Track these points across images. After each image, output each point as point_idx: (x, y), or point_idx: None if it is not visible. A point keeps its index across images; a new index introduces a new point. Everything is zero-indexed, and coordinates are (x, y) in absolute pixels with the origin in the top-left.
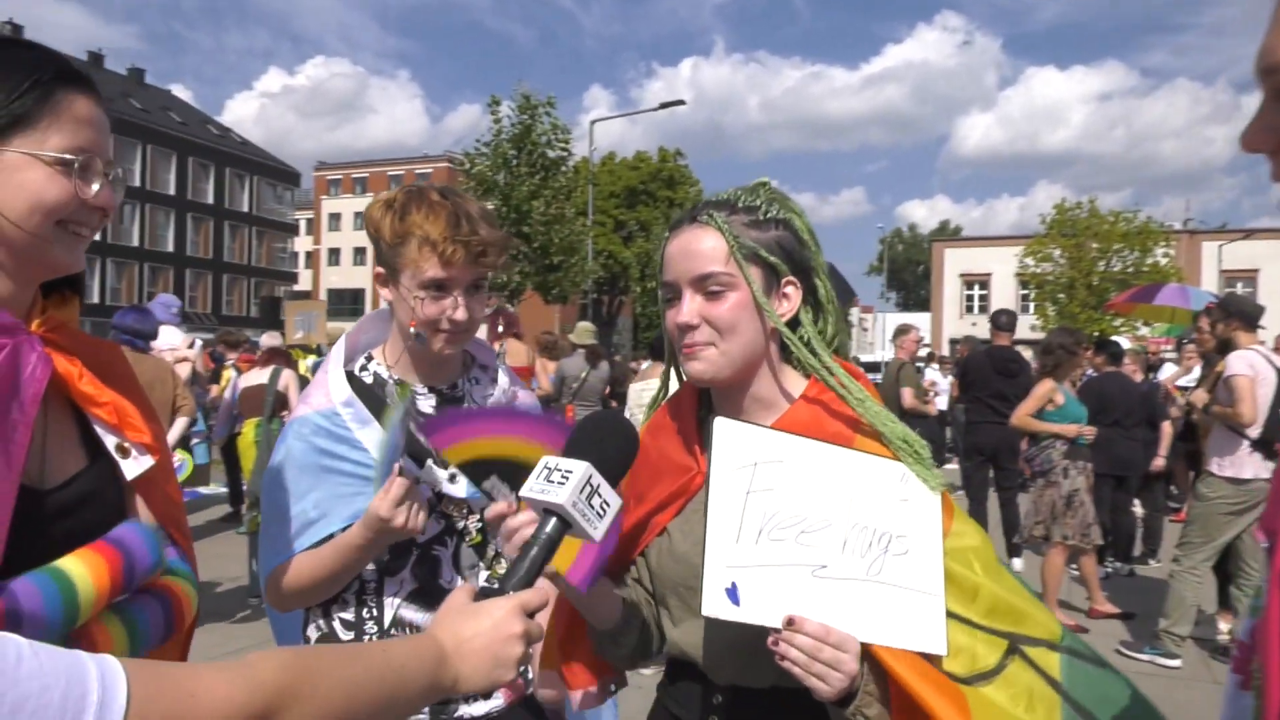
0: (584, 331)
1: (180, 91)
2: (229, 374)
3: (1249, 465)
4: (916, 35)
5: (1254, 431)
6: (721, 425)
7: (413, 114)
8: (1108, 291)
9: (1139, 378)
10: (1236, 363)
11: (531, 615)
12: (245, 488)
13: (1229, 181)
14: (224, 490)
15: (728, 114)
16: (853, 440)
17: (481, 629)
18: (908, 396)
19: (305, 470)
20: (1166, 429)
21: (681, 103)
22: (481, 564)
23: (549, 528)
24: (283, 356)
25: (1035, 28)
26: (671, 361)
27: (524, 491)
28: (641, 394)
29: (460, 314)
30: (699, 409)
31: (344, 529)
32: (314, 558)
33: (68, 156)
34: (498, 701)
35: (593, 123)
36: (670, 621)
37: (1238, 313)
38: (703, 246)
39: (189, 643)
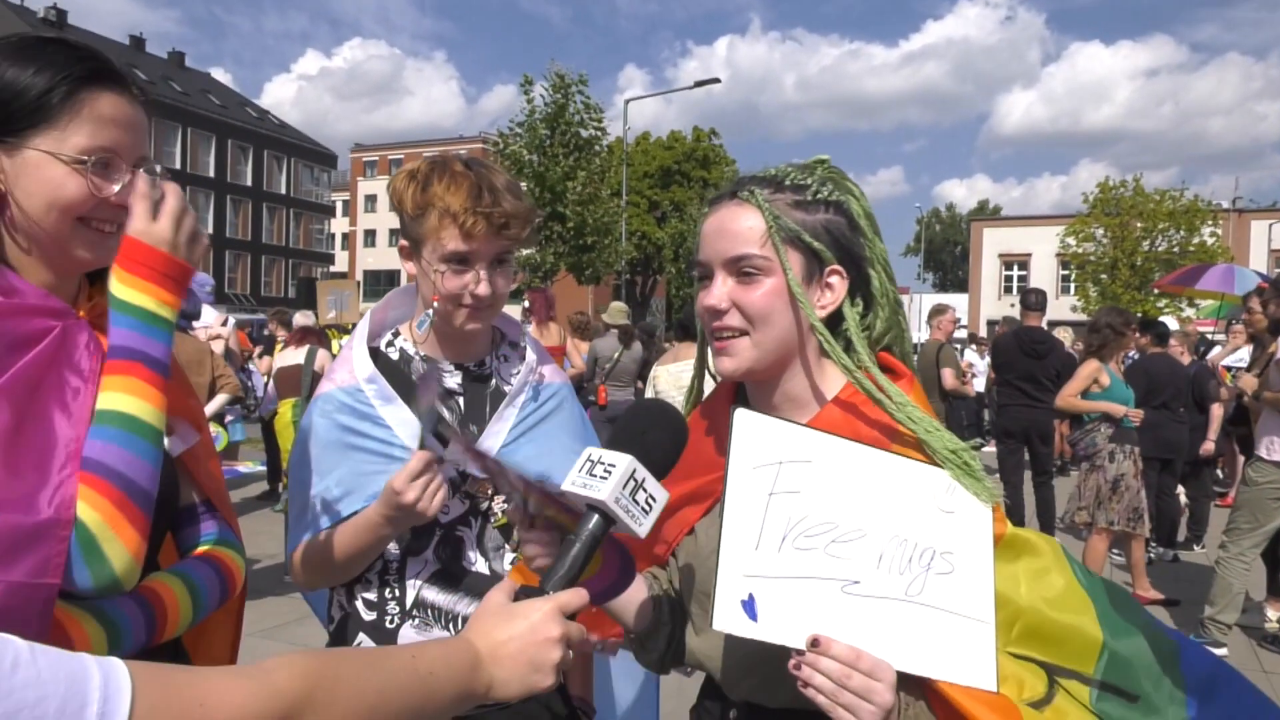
0: (617, 312)
1: (220, 75)
2: (281, 350)
3: None
4: (957, 11)
5: None
6: (742, 417)
7: (448, 95)
8: (1152, 272)
9: (1186, 359)
10: None
11: (572, 617)
12: (285, 467)
13: None
14: (262, 468)
15: (763, 93)
16: (889, 448)
17: (517, 632)
18: (949, 377)
19: (328, 447)
20: (1216, 412)
21: (717, 80)
22: (508, 546)
23: (591, 524)
24: (316, 336)
25: (1081, 2)
26: (702, 350)
27: (565, 485)
28: (681, 375)
29: (483, 289)
30: (735, 403)
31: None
32: (335, 537)
33: (83, 157)
34: None
35: (627, 102)
36: (692, 629)
37: None
38: (739, 225)
39: (241, 611)
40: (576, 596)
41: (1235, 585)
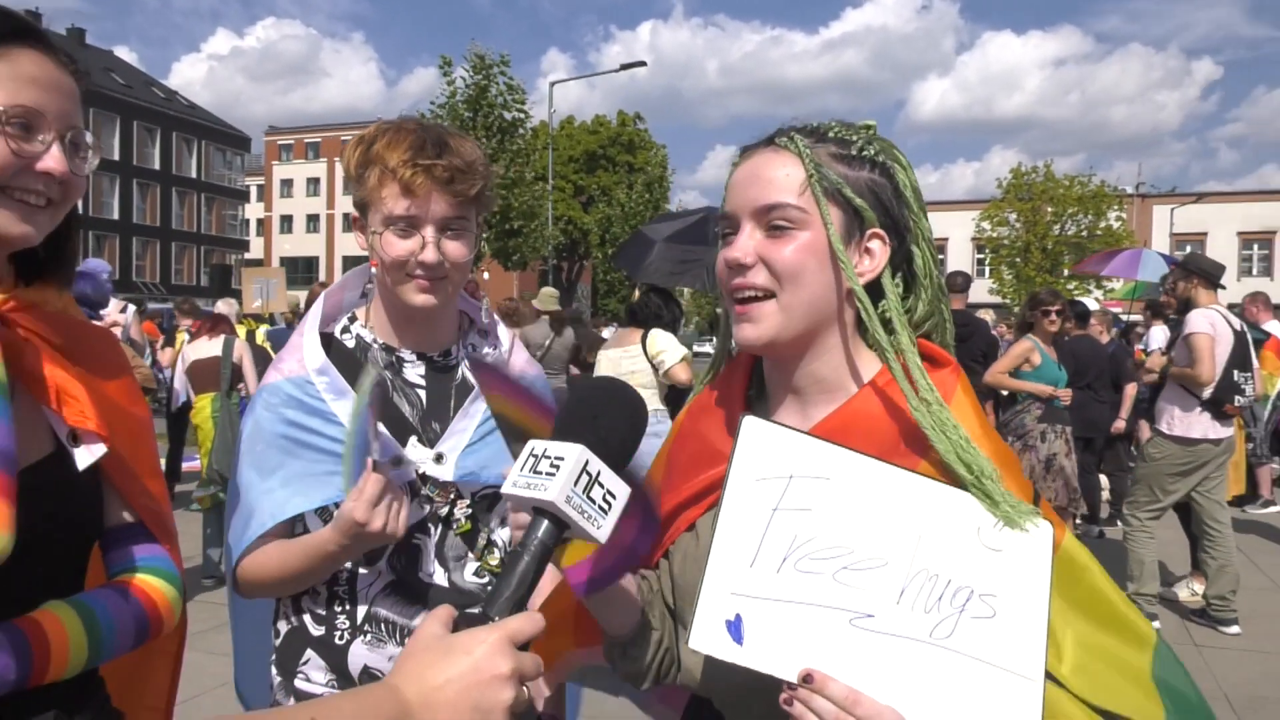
0: (548, 297)
1: (125, 54)
2: (183, 337)
3: (1198, 425)
4: None
5: (1206, 392)
6: (750, 426)
7: (367, 77)
8: (1062, 255)
9: (1105, 339)
10: (1197, 320)
11: (524, 647)
12: (205, 465)
13: (1178, 146)
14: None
15: (686, 78)
16: (926, 449)
17: (455, 672)
18: None
19: (273, 444)
20: (1130, 390)
21: (642, 64)
22: (470, 555)
23: (540, 532)
24: (228, 325)
25: None
26: (727, 324)
27: (506, 487)
28: (620, 361)
29: (430, 254)
30: (749, 387)
31: (320, 510)
32: (283, 552)
33: None
34: None
35: (552, 84)
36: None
37: (1198, 271)
38: (775, 172)
39: (180, 653)
40: (529, 622)
41: (1145, 556)
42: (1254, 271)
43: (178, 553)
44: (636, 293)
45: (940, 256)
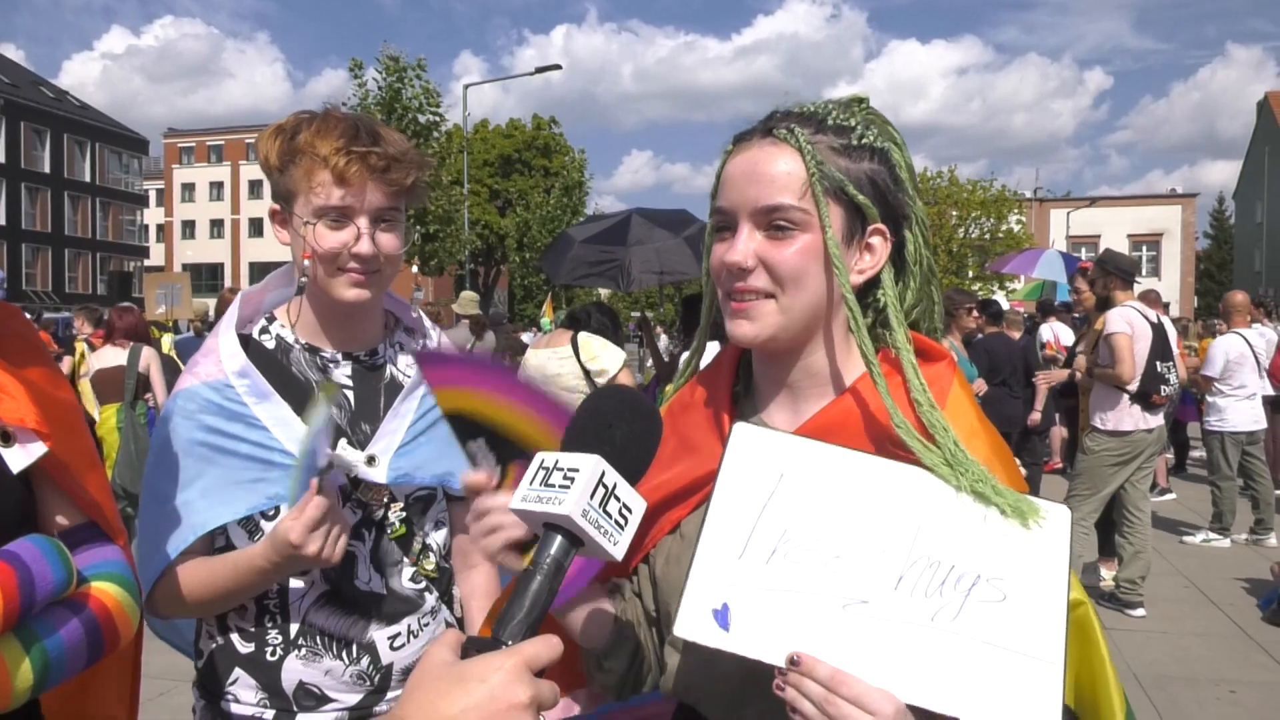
0: (468, 301)
1: (10, 52)
2: (82, 348)
3: (1129, 418)
4: (787, 7)
5: (1133, 386)
6: (740, 432)
7: (273, 78)
8: (966, 256)
9: (1015, 336)
10: (1115, 320)
11: (540, 674)
12: (109, 478)
13: (1073, 153)
14: None
15: (601, 83)
16: (926, 436)
17: (471, 702)
18: None
19: (191, 453)
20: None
21: (557, 67)
22: (406, 560)
23: (554, 548)
24: (139, 334)
25: (899, 2)
26: (709, 319)
27: (515, 502)
28: (546, 364)
29: (364, 246)
30: (735, 382)
31: (245, 519)
32: (209, 570)
33: None
34: None
35: (466, 87)
36: (673, 647)
37: (1115, 270)
38: (775, 169)
39: (138, 657)
40: (547, 646)
41: (1075, 549)
42: (1144, 272)
43: (129, 549)
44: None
45: None
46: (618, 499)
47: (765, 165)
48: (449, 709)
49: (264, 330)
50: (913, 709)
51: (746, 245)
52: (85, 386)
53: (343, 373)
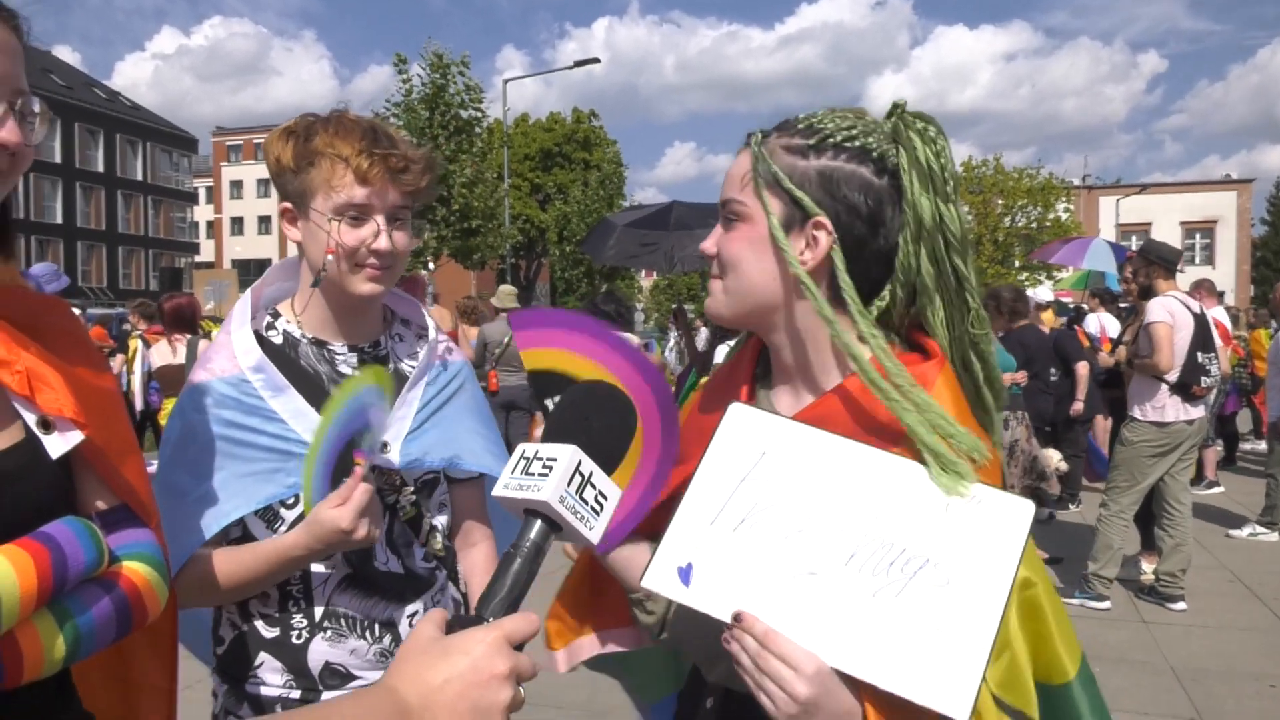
0: (506, 295)
1: (65, 54)
2: (136, 344)
3: (1170, 408)
4: None
5: (1173, 376)
6: (734, 411)
7: (319, 76)
8: (1013, 246)
9: (1048, 330)
10: (1156, 310)
11: (519, 647)
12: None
13: (1125, 139)
14: None
15: (643, 75)
16: (900, 440)
17: (455, 672)
18: None
19: (209, 447)
20: (1081, 371)
21: (596, 60)
22: (417, 541)
23: (533, 533)
24: (184, 318)
25: None
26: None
27: (498, 489)
28: None
29: (383, 243)
30: (757, 364)
31: (263, 509)
32: (236, 559)
33: None
34: None
35: (506, 81)
36: (679, 609)
37: (1158, 259)
38: (732, 170)
39: (174, 632)
40: (526, 623)
41: (1115, 542)
42: (1196, 260)
43: (161, 532)
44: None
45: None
46: (594, 486)
47: (731, 167)
48: (434, 678)
49: (270, 326)
50: (843, 677)
51: (713, 235)
52: (136, 383)
53: (349, 364)
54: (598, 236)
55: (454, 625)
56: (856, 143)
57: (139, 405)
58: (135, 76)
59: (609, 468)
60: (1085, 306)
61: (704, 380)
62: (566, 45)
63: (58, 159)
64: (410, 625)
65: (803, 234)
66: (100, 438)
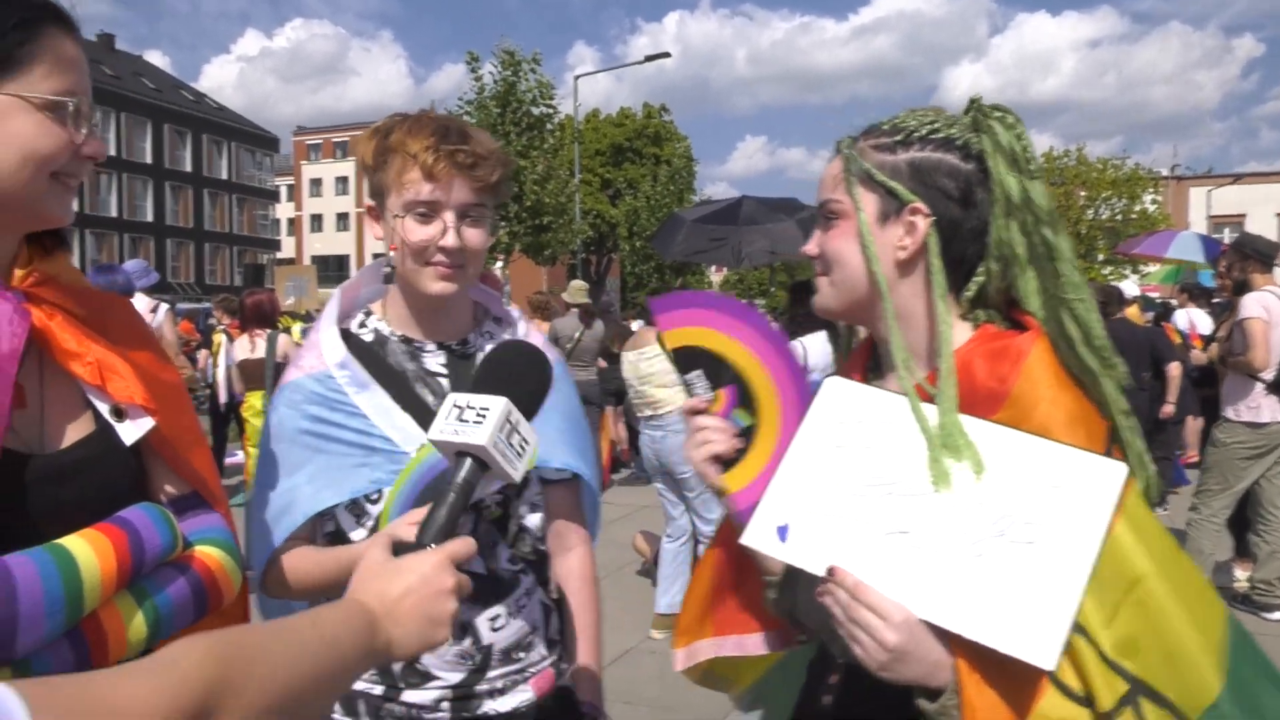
0: (577, 290)
1: (157, 58)
2: (220, 339)
3: (1266, 408)
4: None
5: (1269, 374)
6: (830, 385)
7: (396, 75)
8: (1096, 239)
9: (1141, 323)
10: (1250, 305)
11: (460, 568)
12: (248, 461)
13: (1218, 127)
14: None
15: (714, 68)
16: (999, 408)
17: (410, 585)
18: None
19: (297, 442)
20: (1174, 371)
21: (667, 55)
22: (503, 542)
23: (465, 471)
24: (264, 313)
25: None
26: None
27: (433, 434)
28: (639, 364)
29: (450, 239)
30: (871, 357)
31: (350, 503)
32: (317, 561)
33: (62, 99)
34: (526, 695)
35: (577, 77)
36: (804, 585)
37: (1254, 253)
38: (824, 175)
39: (246, 615)
40: (464, 545)
41: (1206, 547)
42: None
43: (230, 518)
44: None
45: None
46: (519, 433)
47: (824, 173)
48: (394, 592)
49: (362, 324)
50: (933, 631)
51: (813, 237)
52: (220, 376)
53: (437, 361)
54: (667, 232)
55: (400, 550)
56: (940, 134)
57: (223, 398)
58: (221, 79)
59: (529, 417)
60: (1174, 303)
61: None
62: (637, 40)
63: (149, 160)
64: (492, 629)
65: (900, 222)
66: (168, 427)
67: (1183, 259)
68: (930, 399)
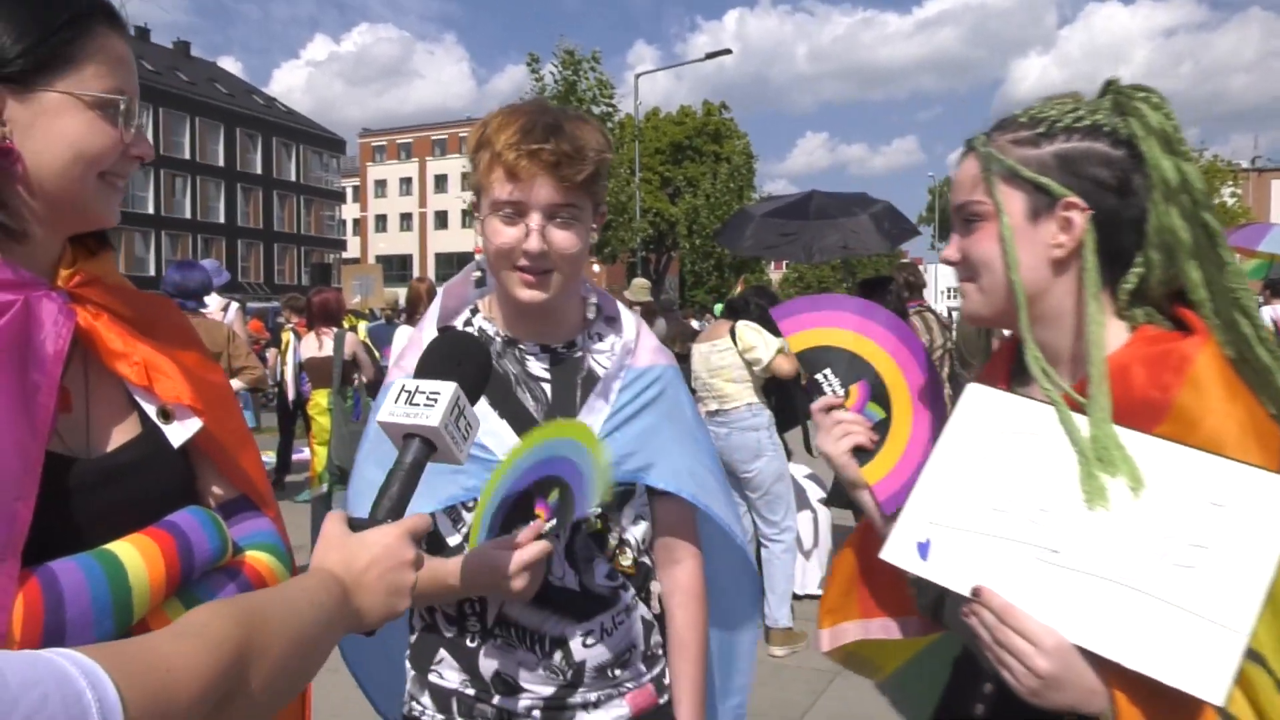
0: (640, 289)
1: (230, 64)
2: (288, 338)
3: None
4: None
5: None
6: (972, 392)
7: (459, 77)
8: None
9: None
10: None
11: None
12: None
13: None
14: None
15: (774, 65)
16: (1161, 420)
17: (375, 557)
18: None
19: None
20: None
21: (728, 52)
22: (602, 555)
23: (414, 451)
24: (330, 311)
25: None
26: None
27: (382, 416)
28: (710, 356)
29: (533, 242)
30: (1014, 363)
31: (449, 509)
32: None
33: (113, 97)
34: (622, 711)
35: (637, 76)
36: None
37: None
38: (959, 175)
39: None
40: (421, 521)
41: None
42: None
43: (280, 521)
44: (739, 288)
45: None
46: (465, 417)
47: (956, 173)
48: (359, 564)
49: (468, 322)
50: (1088, 657)
51: (952, 243)
52: (289, 374)
53: (540, 365)
54: (734, 227)
55: (357, 525)
56: (1085, 122)
57: (290, 395)
58: (290, 83)
59: (473, 401)
60: (1259, 299)
61: None
62: (697, 39)
63: (221, 163)
64: (584, 645)
65: (1053, 218)
66: (216, 428)
67: (1276, 253)
68: (1080, 408)
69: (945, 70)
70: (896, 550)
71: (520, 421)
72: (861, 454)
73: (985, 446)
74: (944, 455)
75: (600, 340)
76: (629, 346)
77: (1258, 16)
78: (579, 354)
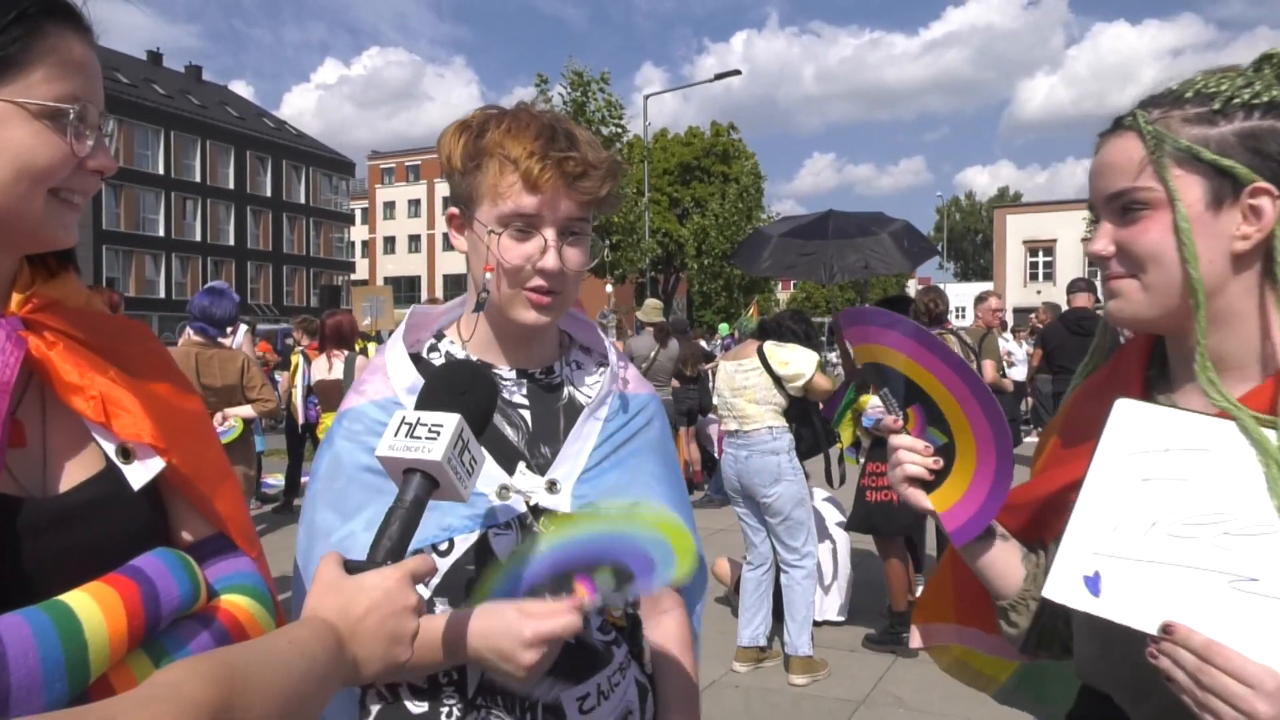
0: (652, 309)
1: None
2: (298, 360)
3: None
4: None
5: None
6: (1121, 408)
7: (468, 99)
8: None
9: None
10: None
11: (419, 585)
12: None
13: None
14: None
15: (782, 87)
16: None
17: (374, 603)
18: (989, 370)
19: (355, 480)
20: None
21: (737, 72)
22: (609, 611)
23: (415, 488)
24: (343, 334)
25: None
26: (1104, 338)
27: (381, 450)
28: (734, 375)
29: (550, 260)
30: (1149, 366)
31: (415, 553)
32: None
33: (62, 105)
34: None
35: (646, 97)
36: (1082, 635)
37: None
38: (1115, 157)
39: None
40: (423, 563)
41: None
42: None
43: (263, 559)
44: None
45: (1049, 259)
46: (469, 451)
47: (1108, 155)
48: (357, 610)
49: (432, 348)
50: None
51: (1103, 234)
52: (298, 397)
53: (519, 392)
54: (750, 248)
55: (354, 568)
56: (1264, 98)
57: (300, 419)
58: (301, 106)
59: (478, 436)
60: None
61: (863, 398)
62: (705, 60)
63: (231, 185)
64: (581, 710)
65: (1237, 206)
66: (187, 464)
67: None
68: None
69: (952, 91)
70: (1061, 587)
71: (501, 451)
72: (927, 482)
73: (1146, 466)
74: (1100, 478)
75: (579, 368)
76: (616, 373)
77: (1265, 36)
78: (559, 381)
